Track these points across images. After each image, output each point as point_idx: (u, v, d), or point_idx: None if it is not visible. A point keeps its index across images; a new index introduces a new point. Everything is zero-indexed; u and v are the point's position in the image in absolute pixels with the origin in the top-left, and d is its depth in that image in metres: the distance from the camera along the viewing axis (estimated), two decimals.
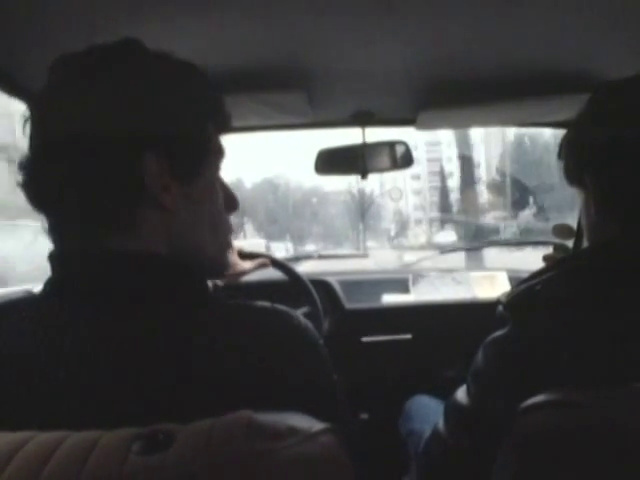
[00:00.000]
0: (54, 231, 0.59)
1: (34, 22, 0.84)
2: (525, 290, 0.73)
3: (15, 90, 1.04)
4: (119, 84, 0.57)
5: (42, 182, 0.57)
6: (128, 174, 0.56)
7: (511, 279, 1.98)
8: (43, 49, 0.89)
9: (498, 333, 0.73)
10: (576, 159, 0.78)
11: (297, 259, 2.04)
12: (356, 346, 1.76)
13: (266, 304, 0.60)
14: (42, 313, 0.55)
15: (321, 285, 1.78)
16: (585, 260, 0.75)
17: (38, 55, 0.90)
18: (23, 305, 0.58)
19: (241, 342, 0.54)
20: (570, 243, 1.73)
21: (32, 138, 0.58)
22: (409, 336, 1.80)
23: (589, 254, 0.77)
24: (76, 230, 0.57)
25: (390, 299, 1.94)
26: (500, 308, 0.76)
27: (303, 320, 0.61)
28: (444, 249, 2.29)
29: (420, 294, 1.97)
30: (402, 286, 2.01)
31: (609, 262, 0.70)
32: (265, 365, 0.53)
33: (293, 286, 1.52)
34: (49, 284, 0.58)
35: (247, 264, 1.38)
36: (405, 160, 1.56)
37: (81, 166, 0.55)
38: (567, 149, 0.80)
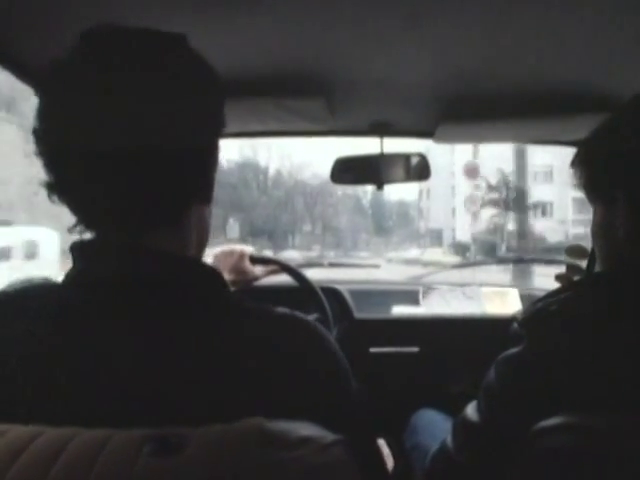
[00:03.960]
0: (85, 224, 0.57)
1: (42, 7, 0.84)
2: (541, 309, 0.73)
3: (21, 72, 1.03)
4: (172, 81, 0.55)
5: (76, 180, 0.54)
6: (184, 174, 0.56)
7: (522, 296, 1.97)
8: (49, 32, 0.89)
9: (512, 350, 0.73)
10: (604, 172, 0.74)
11: (308, 266, 2.03)
12: (364, 356, 1.75)
13: (287, 311, 0.60)
14: (65, 304, 0.54)
15: (331, 293, 1.78)
16: (606, 280, 0.74)
17: (44, 37, 0.90)
18: (45, 293, 0.57)
19: (261, 347, 0.54)
20: (583, 263, 1.72)
21: (53, 132, 0.54)
22: (417, 349, 1.78)
23: (612, 274, 0.75)
24: (115, 226, 0.56)
25: (400, 311, 1.93)
26: (515, 325, 0.75)
27: (323, 329, 0.61)
28: (455, 264, 2.28)
29: (430, 307, 1.96)
30: (412, 298, 2.00)
31: (635, 282, 0.68)
32: (284, 372, 0.53)
33: (303, 293, 1.51)
34: (75, 275, 0.57)
35: (258, 270, 1.38)
36: (422, 173, 1.56)
37: (130, 166, 0.53)
38: (591, 161, 0.77)
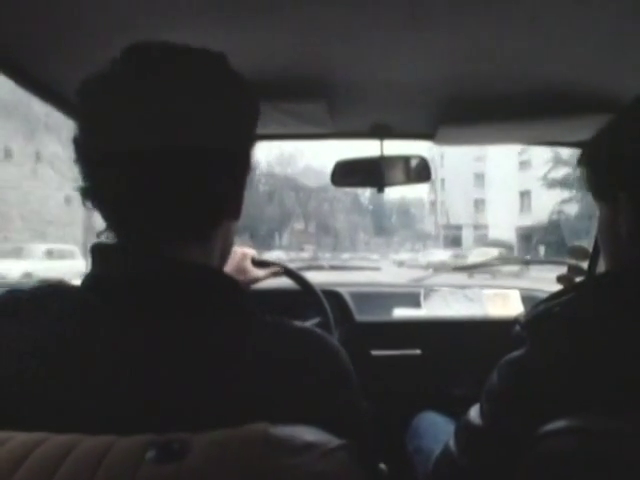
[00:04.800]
0: (115, 231, 0.58)
1: (60, 26, 0.86)
2: (544, 311, 0.72)
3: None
4: (210, 98, 0.56)
5: (111, 187, 0.55)
6: (217, 190, 0.57)
7: (524, 298, 1.96)
8: (71, 53, 0.91)
9: (515, 353, 0.72)
10: (609, 173, 0.74)
11: (308, 268, 2.03)
12: (365, 359, 1.75)
13: (303, 325, 0.62)
14: (84, 305, 0.55)
15: (332, 296, 1.78)
16: (609, 281, 0.73)
17: (71, 62, 0.92)
18: (65, 294, 0.57)
19: (274, 358, 0.54)
20: (585, 264, 1.72)
21: (93, 139, 0.55)
22: (419, 351, 1.78)
23: (615, 275, 0.75)
24: (144, 236, 0.57)
25: (401, 313, 1.92)
26: (517, 328, 0.75)
27: (339, 345, 0.62)
28: (457, 267, 2.27)
29: (432, 309, 1.95)
30: (414, 300, 1.99)
31: (638, 283, 0.68)
32: (297, 386, 0.53)
33: (304, 296, 1.51)
34: (95, 277, 0.57)
35: (260, 272, 1.38)
36: (422, 175, 1.55)
37: (164, 178, 0.54)
38: (596, 162, 0.78)
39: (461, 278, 2.48)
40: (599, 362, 0.63)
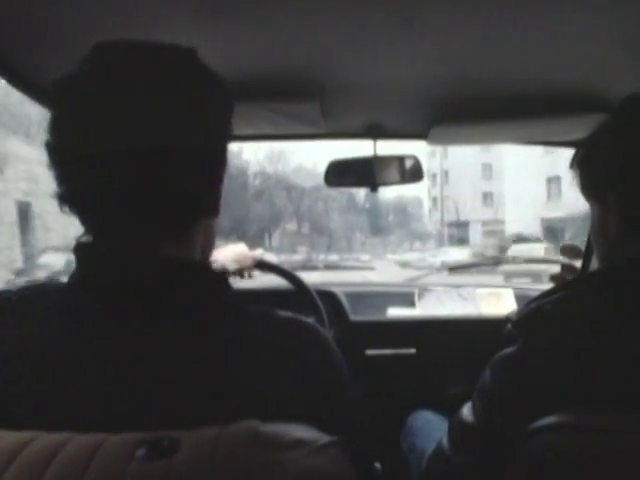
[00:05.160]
0: (93, 234, 0.57)
1: (45, 21, 0.85)
2: (535, 309, 0.73)
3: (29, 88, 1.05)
4: (181, 94, 0.55)
5: (87, 191, 0.54)
6: (192, 189, 0.56)
7: (517, 296, 1.97)
8: (56, 48, 0.90)
9: (507, 351, 0.73)
10: (598, 174, 0.76)
11: (303, 268, 2.03)
12: (360, 359, 1.75)
13: (289, 314, 0.61)
14: (70, 305, 0.55)
15: (327, 296, 1.78)
16: (599, 279, 0.74)
17: (52, 53, 0.91)
18: (52, 294, 0.58)
19: (261, 349, 0.54)
20: (578, 263, 1.72)
21: (68, 138, 0.54)
22: (413, 351, 1.78)
23: (604, 273, 0.76)
24: (125, 233, 0.56)
25: (396, 312, 1.93)
26: (509, 326, 0.75)
27: (325, 332, 0.62)
28: (452, 266, 2.27)
29: (426, 308, 1.96)
30: (408, 300, 2.00)
31: (626, 281, 0.69)
32: (283, 374, 0.53)
33: (298, 296, 1.51)
34: (79, 277, 0.57)
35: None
36: (415, 174, 1.56)
37: (143, 176, 0.53)
38: (589, 162, 0.79)
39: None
40: (589, 359, 0.64)
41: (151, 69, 0.55)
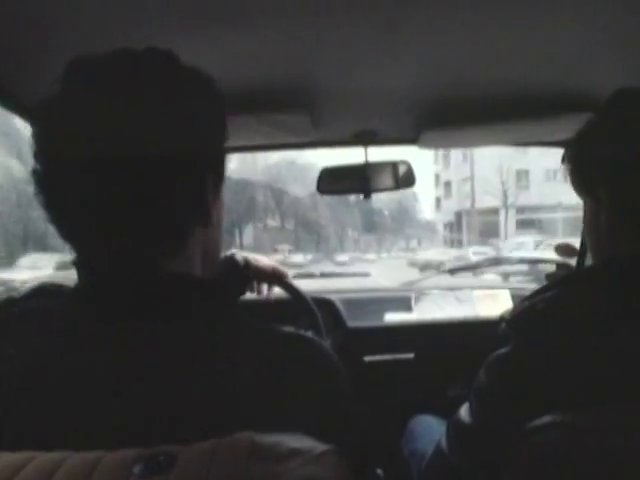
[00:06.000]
0: (85, 249, 0.56)
1: (35, 35, 0.85)
2: (527, 308, 0.73)
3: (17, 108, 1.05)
4: (167, 96, 0.54)
5: (78, 199, 0.53)
6: (192, 193, 0.56)
7: (514, 297, 1.97)
8: (45, 63, 0.90)
9: (501, 351, 0.73)
10: (590, 170, 0.76)
11: (299, 277, 2.03)
12: (358, 365, 1.75)
13: (291, 330, 0.60)
14: (70, 319, 0.55)
15: (323, 304, 1.77)
16: (591, 277, 0.75)
17: (39, 70, 0.91)
18: (52, 308, 0.58)
19: (265, 366, 0.54)
20: (573, 261, 1.73)
21: (55, 151, 0.53)
22: (412, 355, 1.78)
23: (596, 270, 0.77)
24: (121, 250, 0.55)
25: (393, 318, 1.93)
26: (503, 326, 0.75)
27: (330, 349, 0.61)
28: (451, 268, 2.27)
29: (423, 312, 1.96)
30: (405, 304, 2.00)
31: (618, 278, 0.69)
32: (286, 390, 0.53)
33: (295, 304, 1.51)
34: (81, 294, 0.57)
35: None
36: (407, 180, 1.56)
37: (135, 185, 0.52)
38: (580, 159, 0.79)
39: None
40: (582, 357, 0.64)
41: (129, 79, 0.53)
